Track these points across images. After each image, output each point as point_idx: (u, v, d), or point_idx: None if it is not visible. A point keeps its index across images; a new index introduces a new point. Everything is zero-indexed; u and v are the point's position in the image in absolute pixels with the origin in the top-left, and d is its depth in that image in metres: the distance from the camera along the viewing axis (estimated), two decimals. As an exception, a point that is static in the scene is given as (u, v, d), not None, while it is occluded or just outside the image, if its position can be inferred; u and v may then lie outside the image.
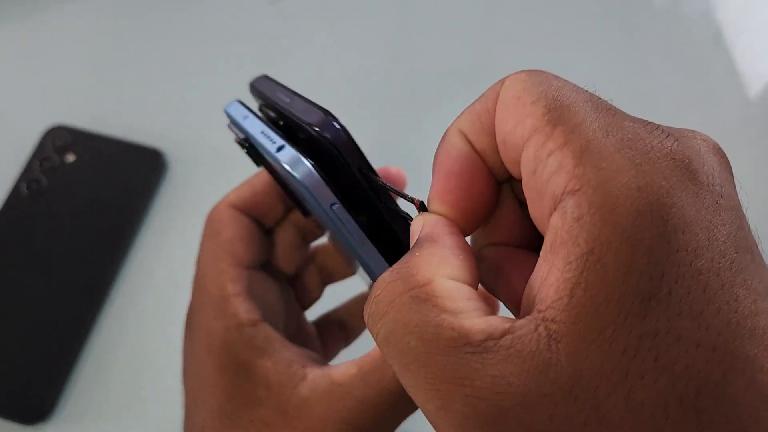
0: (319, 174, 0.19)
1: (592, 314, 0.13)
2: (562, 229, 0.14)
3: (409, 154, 0.46)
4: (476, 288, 0.16)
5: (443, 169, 0.17)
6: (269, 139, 0.20)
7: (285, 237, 0.27)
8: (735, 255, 0.13)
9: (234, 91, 0.48)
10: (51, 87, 0.49)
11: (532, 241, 0.18)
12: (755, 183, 0.44)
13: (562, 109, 0.15)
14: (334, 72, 0.49)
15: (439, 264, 0.15)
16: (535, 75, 0.16)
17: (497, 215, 0.18)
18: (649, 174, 0.13)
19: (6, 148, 0.45)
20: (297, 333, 0.28)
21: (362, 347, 0.24)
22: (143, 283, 0.41)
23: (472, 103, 0.17)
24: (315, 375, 0.22)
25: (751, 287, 0.13)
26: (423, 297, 0.15)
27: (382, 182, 0.19)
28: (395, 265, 0.16)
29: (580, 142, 0.14)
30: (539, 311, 0.13)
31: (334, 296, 0.31)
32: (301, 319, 0.29)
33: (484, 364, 0.13)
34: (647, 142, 0.14)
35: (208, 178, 0.45)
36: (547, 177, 0.14)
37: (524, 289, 0.15)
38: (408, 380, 0.14)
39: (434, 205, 0.17)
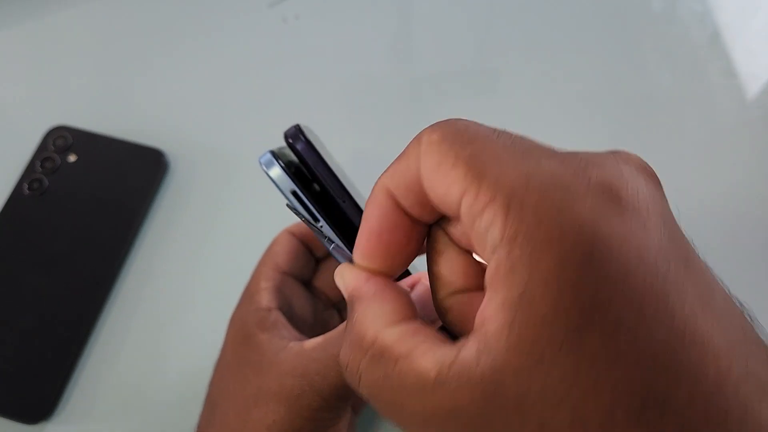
0: (284, 170, 0.24)
1: (528, 348, 0.14)
2: (496, 275, 0.15)
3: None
4: (415, 316, 0.18)
5: (365, 226, 0.19)
6: (269, 163, 0.25)
7: (333, 265, 0.32)
8: (667, 268, 0.14)
9: (234, 91, 0.48)
10: (53, 88, 0.49)
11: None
12: (754, 184, 0.44)
13: (482, 165, 0.16)
14: (334, 73, 0.49)
15: (374, 318, 0.17)
16: (449, 134, 0.17)
17: (447, 266, 0.19)
18: (571, 212, 0.14)
19: (7, 148, 0.45)
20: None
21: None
22: (145, 283, 0.41)
23: (397, 161, 0.19)
24: (294, 344, 0.26)
25: (685, 296, 0.14)
26: (376, 355, 0.17)
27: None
28: (346, 337, 0.18)
29: (504, 194, 0.15)
30: (483, 342, 0.15)
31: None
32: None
33: (443, 397, 0.15)
34: (567, 179, 0.15)
35: (209, 178, 0.45)
36: (484, 230, 0.15)
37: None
38: (400, 425, 0.17)
39: (357, 259, 0.19)
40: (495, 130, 0.17)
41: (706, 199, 0.44)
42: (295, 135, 0.25)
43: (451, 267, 0.19)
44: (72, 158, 0.44)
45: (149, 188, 0.43)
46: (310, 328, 0.31)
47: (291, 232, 0.32)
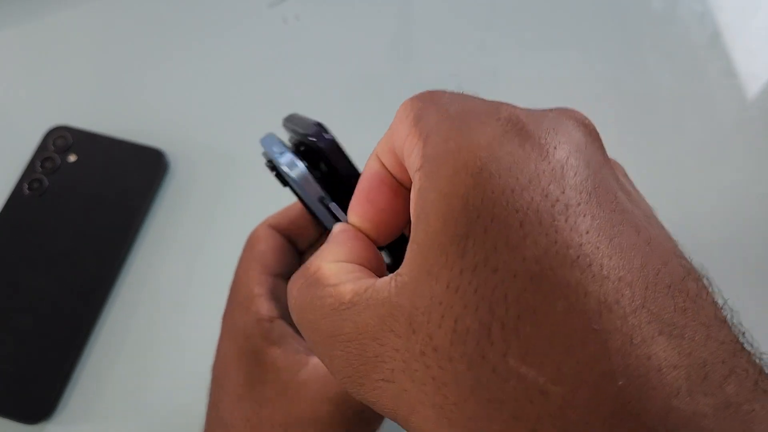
0: (309, 171, 0.23)
1: (421, 261, 0.15)
2: (412, 200, 0.16)
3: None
4: (368, 265, 0.19)
5: (359, 187, 0.20)
6: (281, 155, 0.24)
7: None
8: (561, 195, 0.14)
9: (234, 91, 0.48)
10: (52, 88, 0.49)
11: None
12: (753, 183, 0.44)
13: (424, 112, 0.17)
14: (334, 73, 0.49)
15: (326, 254, 0.19)
16: (420, 95, 0.18)
17: None
18: (470, 135, 0.15)
19: (7, 148, 0.45)
20: None
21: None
22: (145, 283, 0.41)
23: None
24: (315, 362, 0.24)
25: (578, 224, 0.14)
26: (312, 281, 0.18)
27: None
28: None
29: (427, 129, 0.16)
30: (398, 271, 0.16)
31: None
32: None
33: (351, 316, 0.16)
34: (479, 112, 0.16)
35: (209, 177, 0.45)
36: (410, 163, 0.17)
37: None
38: (312, 345, 0.18)
39: (350, 217, 0.20)
40: (455, 93, 0.19)
41: (706, 199, 0.44)
42: (318, 134, 0.24)
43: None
44: (72, 158, 0.44)
45: (149, 188, 0.43)
46: None
47: (272, 226, 0.29)
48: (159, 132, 0.46)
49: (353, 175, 0.24)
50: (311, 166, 0.24)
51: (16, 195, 0.42)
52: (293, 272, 0.29)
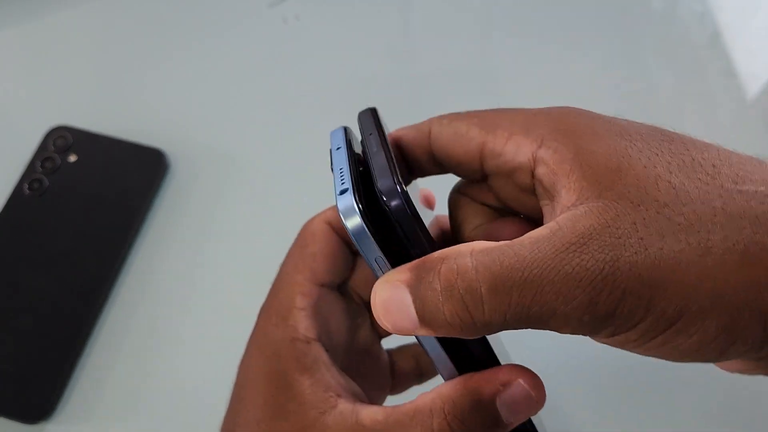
0: (367, 227, 0.19)
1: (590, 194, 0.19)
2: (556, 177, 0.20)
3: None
4: None
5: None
6: (340, 179, 0.21)
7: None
8: (673, 172, 0.19)
9: (234, 91, 0.48)
10: (53, 88, 0.49)
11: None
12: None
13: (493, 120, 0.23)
14: (334, 73, 0.49)
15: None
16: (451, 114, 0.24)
17: (468, 212, 0.25)
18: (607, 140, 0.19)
19: (8, 148, 0.45)
20: (363, 358, 0.28)
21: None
22: (145, 283, 0.41)
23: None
24: (344, 407, 0.22)
25: (658, 159, 0.19)
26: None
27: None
28: None
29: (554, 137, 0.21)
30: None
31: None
32: (373, 345, 0.29)
33: None
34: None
35: (209, 177, 0.45)
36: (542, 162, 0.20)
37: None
38: None
39: None
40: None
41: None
42: (393, 193, 0.20)
43: (470, 212, 0.24)
44: (72, 158, 0.44)
45: (149, 188, 0.43)
46: (345, 352, 0.26)
47: (329, 223, 0.26)
48: (159, 132, 0.46)
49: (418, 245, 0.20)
50: (363, 202, 0.20)
51: (16, 195, 0.42)
52: (346, 280, 0.27)
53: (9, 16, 0.52)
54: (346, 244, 0.26)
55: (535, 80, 0.49)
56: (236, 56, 0.50)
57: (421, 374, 0.30)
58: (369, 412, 0.22)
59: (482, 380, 0.21)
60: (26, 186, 0.43)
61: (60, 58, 0.50)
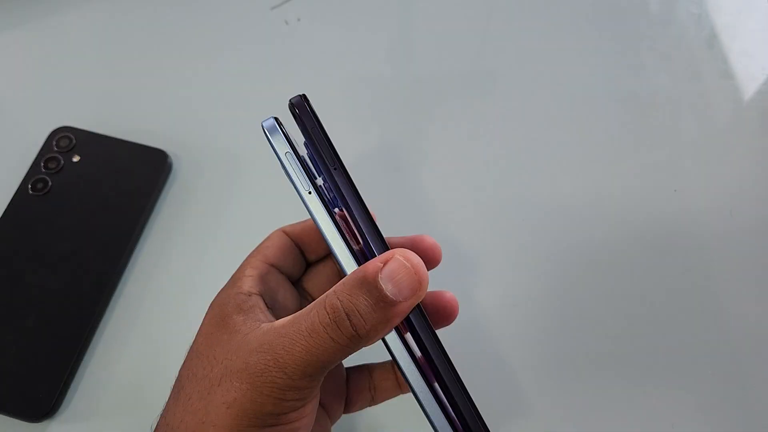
0: (280, 127, 0.26)
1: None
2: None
3: (410, 156, 0.46)
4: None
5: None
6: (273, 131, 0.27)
7: (324, 270, 0.32)
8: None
9: (237, 93, 0.49)
10: (56, 88, 0.49)
11: None
12: (750, 185, 0.45)
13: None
14: (336, 75, 0.50)
15: None
16: None
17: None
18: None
19: (11, 148, 0.46)
20: None
21: (389, 409, 0.29)
22: (148, 283, 0.41)
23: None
24: (265, 324, 0.26)
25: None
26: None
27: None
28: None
29: None
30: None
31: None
32: None
33: None
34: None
35: (212, 178, 0.45)
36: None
37: None
38: None
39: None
40: None
41: (703, 200, 0.44)
42: (300, 103, 0.27)
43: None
44: (75, 159, 0.44)
45: (152, 189, 0.43)
46: None
47: (284, 231, 0.31)
48: (162, 133, 0.46)
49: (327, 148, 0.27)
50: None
51: (20, 195, 0.43)
52: (295, 273, 0.31)
53: (13, 17, 0.52)
54: (297, 247, 0.31)
55: (532, 81, 0.49)
56: (239, 58, 0.50)
57: (373, 397, 0.33)
58: (282, 319, 0.25)
59: (368, 264, 0.24)
60: (30, 186, 0.43)
61: (63, 59, 0.51)
